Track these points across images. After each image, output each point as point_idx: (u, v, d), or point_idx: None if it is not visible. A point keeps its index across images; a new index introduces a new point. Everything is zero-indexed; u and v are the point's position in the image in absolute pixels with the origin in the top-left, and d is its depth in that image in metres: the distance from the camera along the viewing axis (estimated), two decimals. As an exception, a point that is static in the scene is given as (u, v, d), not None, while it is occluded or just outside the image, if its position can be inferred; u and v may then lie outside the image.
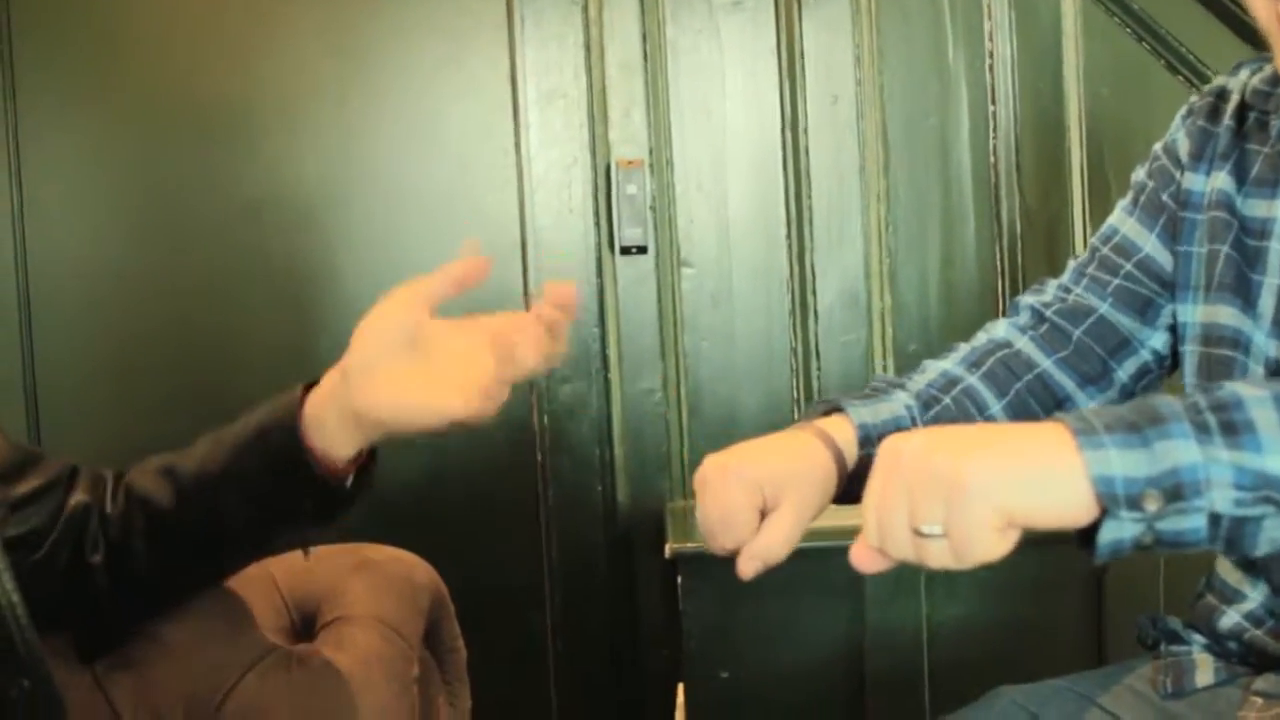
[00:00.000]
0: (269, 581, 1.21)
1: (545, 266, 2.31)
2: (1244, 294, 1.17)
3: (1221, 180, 1.22)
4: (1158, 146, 1.31)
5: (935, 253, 2.37)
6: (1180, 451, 0.80)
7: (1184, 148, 1.26)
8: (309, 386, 1.09)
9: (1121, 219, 1.30)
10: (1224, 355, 1.19)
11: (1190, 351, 1.22)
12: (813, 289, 2.36)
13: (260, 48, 2.26)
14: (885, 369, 2.36)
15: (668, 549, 1.98)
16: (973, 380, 1.24)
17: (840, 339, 2.36)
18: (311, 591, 1.22)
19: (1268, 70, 1.21)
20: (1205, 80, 2.21)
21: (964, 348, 1.29)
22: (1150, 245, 1.27)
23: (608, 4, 2.30)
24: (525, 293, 2.30)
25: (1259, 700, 1.14)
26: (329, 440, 1.07)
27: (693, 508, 2.30)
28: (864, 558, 0.86)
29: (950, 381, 1.24)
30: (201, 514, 1.10)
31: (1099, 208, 2.33)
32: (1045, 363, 1.27)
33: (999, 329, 1.31)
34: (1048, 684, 1.25)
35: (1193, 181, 1.24)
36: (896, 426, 1.16)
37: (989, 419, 1.22)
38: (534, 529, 2.31)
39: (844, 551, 0.85)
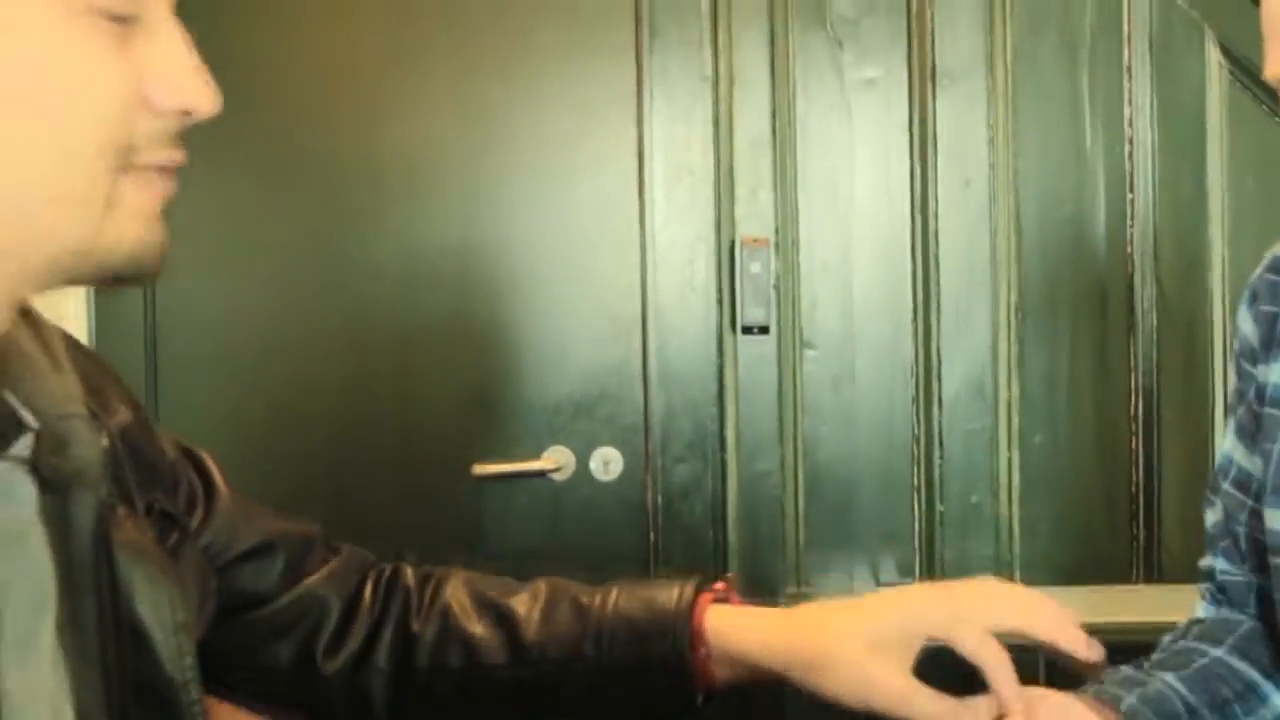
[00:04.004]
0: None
1: (666, 343, 2.28)
2: None
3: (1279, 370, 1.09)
4: (1236, 346, 1.18)
5: (1065, 343, 2.30)
6: None
7: (1254, 337, 1.14)
8: (696, 586, 1.03)
9: (1233, 443, 1.17)
10: None
11: (1274, 565, 1.08)
12: (938, 375, 2.29)
13: (392, 110, 2.27)
14: (1010, 460, 2.28)
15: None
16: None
17: (964, 428, 2.29)
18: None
19: None
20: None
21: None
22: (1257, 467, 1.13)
23: (738, 80, 2.27)
24: (644, 369, 2.27)
25: None
26: (717, 664, 1.00)
27: (805, 595, 2.18)
28: None
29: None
30: (535, 686, 1.01)
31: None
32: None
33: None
34: None
35: (1268, 374, 1.10)
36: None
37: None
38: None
39: None
